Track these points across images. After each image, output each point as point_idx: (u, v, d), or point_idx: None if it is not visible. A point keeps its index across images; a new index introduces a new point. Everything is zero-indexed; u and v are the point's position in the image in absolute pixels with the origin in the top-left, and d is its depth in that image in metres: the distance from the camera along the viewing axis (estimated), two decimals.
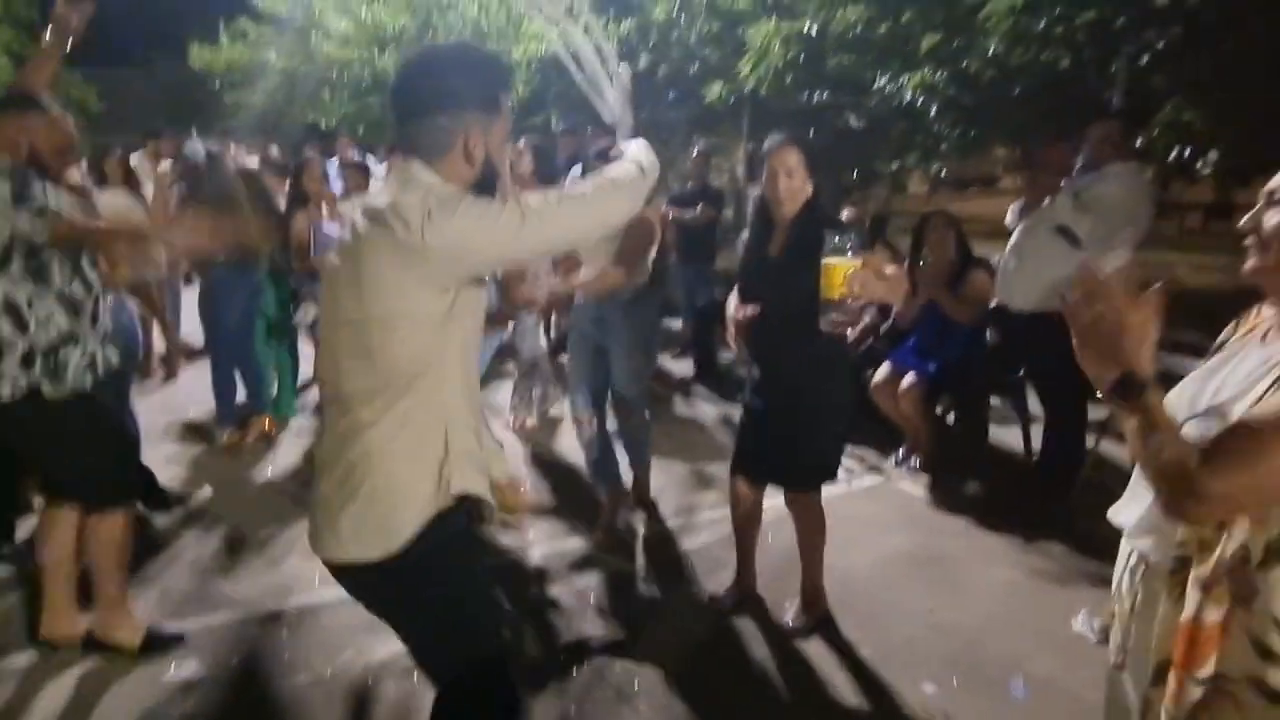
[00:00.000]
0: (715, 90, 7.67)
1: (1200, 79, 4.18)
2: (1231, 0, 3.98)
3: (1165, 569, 1.19)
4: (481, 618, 1.57)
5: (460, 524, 1.51)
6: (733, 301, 2.75)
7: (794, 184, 2.53)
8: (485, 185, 1.48)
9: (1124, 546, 1.34)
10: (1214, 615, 1.10)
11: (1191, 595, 1.13)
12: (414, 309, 1.37)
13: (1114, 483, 1.34)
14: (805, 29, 5.84)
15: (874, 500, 4.03)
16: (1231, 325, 1.28)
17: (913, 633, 2.86)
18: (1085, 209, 3.60)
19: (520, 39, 11.42)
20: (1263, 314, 1.23)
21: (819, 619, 2.85)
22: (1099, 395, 1.15)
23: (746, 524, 2.94)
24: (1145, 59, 4.70)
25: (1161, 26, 4.52)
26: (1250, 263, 1.16)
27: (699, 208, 6.05)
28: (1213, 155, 4.21)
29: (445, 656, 1.57)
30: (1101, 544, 3.32)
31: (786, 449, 2.68)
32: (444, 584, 1.49)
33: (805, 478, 2.75)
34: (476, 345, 1.52)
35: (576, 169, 4.94)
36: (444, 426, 1.45)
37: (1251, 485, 1.04)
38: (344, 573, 1.50)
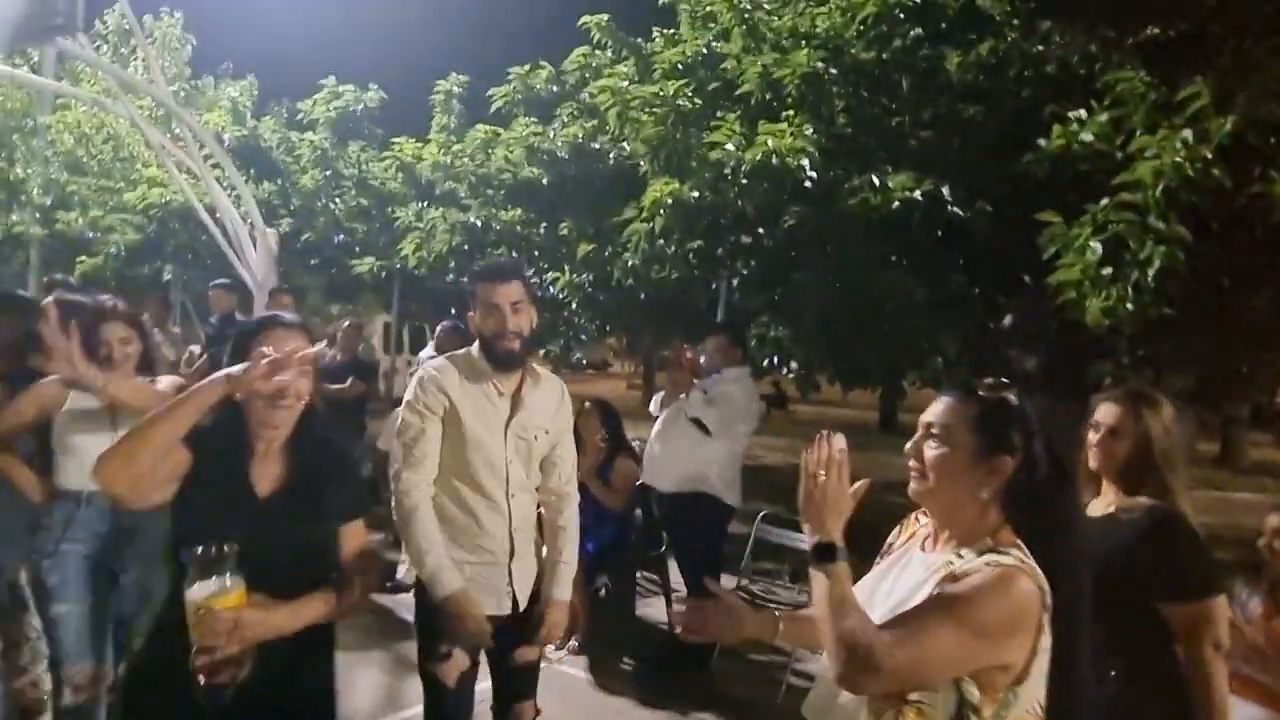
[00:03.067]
0: (367, 264, 7.65)
1: (779, 306, 5.27)
2: (794, 242, 5.06)
3: None
4: None
5: None
6: None
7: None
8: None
9: None
10: None
11: None
12: None
13: (746, 647, 1.53)
14: (470, 220, 6.23)
15: (540, 687, 3.96)
16: (896, 530, 1.59)
17: None
18: (712, 404, 4.22)
19: (135, 181, 10.27)
20: (920, 522, 1.56)
21: None
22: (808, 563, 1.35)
23: None
24: (737, 283, 5.83)
25: (746, 259, 5.64)
26: (913, 485, 1.46)
27: (350, 381, 5.80)
28: (793, 364, 5.26)
29: None
30: (743, 708, 3.69)
31: None
32: None
33: None
34: None
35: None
36: None
37: (917, 662, 1.26)
38: None
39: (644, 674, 4.17)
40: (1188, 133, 3.42)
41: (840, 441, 1.35)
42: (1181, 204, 3.47)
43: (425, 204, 7.70)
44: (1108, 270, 3.44)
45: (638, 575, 4.91)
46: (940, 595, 1.30)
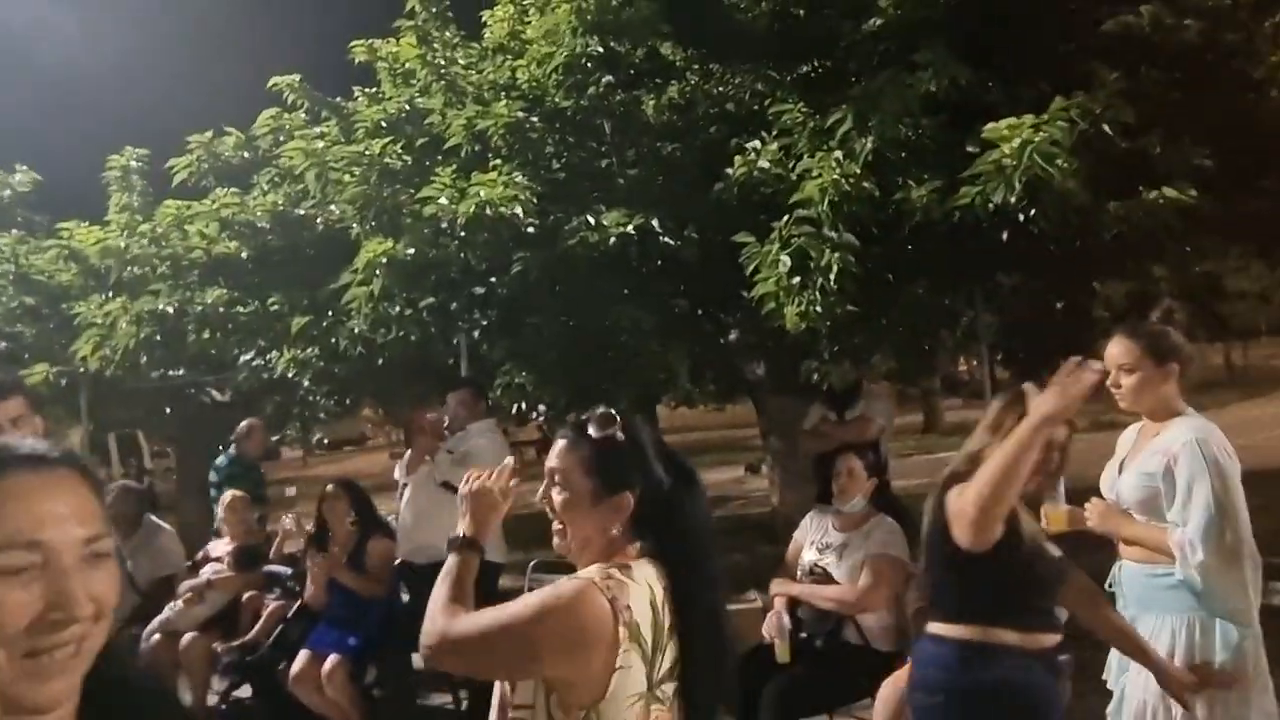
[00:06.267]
0: (40, 373, 6.49)
1: (519, 351, 5.28)
2: (525, 287, 5.08)
3: None
4: None
5: None
6: None
7: None
8: None
9: None
10: None
11: None
12: None
13: None
14: (160, 308, 5.51)
15: None
16: None
17: None
18: (461, 463, 4.07)
19: None
20: None
21: None
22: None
23: None
24: (479, 335, 5.76)
25: (483, 310, 5.60)
26: (555, 540, 1.49)
27: None
28: (541, 407, 5.27)
29: None
30: None
31: None
32: None
33: None
34: None
35: None
36: None
37: (472, 640, 1.34)
38: None
39: None
40: (839, 153, 3.94)
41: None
42: (846, 214, 3.97)
43: (110, 295, 6.74)
44: (797, 279, 3.84)
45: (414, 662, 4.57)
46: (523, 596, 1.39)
